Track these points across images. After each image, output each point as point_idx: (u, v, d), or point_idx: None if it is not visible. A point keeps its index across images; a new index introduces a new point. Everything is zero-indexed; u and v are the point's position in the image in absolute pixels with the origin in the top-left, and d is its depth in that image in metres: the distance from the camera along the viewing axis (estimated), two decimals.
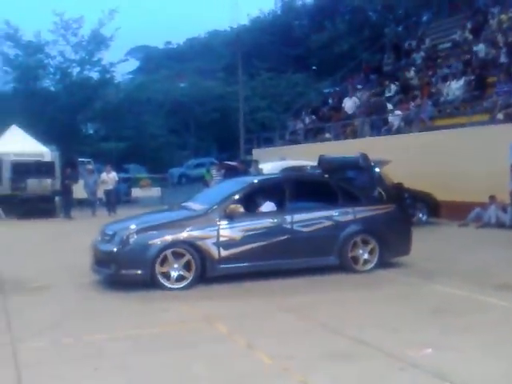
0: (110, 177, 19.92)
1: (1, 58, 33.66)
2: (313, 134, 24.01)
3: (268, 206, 8.43)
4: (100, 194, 20.21)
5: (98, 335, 5.72)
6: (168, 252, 7.46)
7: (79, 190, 19.99)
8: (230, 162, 19.42)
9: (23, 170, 19.47)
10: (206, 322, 6.20)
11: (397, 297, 7.24)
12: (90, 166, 23.25)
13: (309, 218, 8.21)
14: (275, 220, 8.06)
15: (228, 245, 7.75)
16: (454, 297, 7.19)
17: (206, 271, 7.65)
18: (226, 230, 7.77)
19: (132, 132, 37.36)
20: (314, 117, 25.30)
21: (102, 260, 7.79)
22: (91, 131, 40.85)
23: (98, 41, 33.98)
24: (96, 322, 6.32)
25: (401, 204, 9.82)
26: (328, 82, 30.52)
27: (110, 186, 19.73)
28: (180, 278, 7.52)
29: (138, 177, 26.35)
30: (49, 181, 19.99)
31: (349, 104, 23.19)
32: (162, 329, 5.97)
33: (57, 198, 19.59)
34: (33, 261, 10.15)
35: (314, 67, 38.33)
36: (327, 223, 8.30)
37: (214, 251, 7.65)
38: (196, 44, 56.08)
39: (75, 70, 34.97)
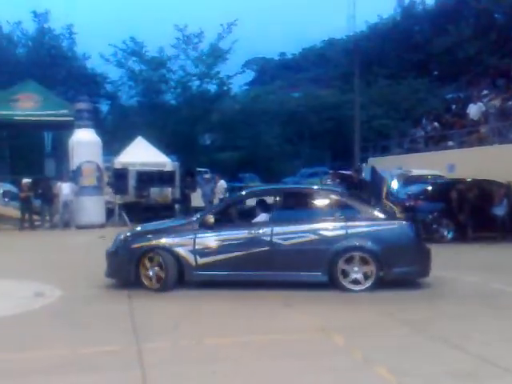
0: (218, 185, 20.26)
1: (127, 73, 35.84)
2: (434, 142, 22.97)
3: (262, 218, 8.34)
4: (216, 202, 20.66)
5: (216, 339, 5.78)
6: (147, 256, 8.05)
7: (197, 199, 20.60)
8: (344, 172, 19.00)
9: (147, 179, 20.41)
10: (320, 331, 6.07)
11: None
12: (207, 176, 23.92)
13: (291, 231, 7.90)
14: (253, 231, 7.95)
15: (204, 253, 7.96)
16: None
17: (184, 276, 8.03)
18: (203, 239, 8.00)
19: (247, 142, 38.10)
20: (436, 124, 24.23)
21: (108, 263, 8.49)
22: (208, 142, 42.24)
23: (217, 54, 35.12)
24: (213, 326, 6.39)
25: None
26: (451, 88, 29.12)
27: (222, 195, 20.08)
28: (159, 280, 8.02)
29: (251, 186, 26.59)
30: (170, 189, 20.82)
31: (474, 110, 21.99)
32: (277, 336, 5.90)
33: (176, 206, 20.31)
34: None
35: (435, 72, 36.83)
36: (313, 237, 7.85)
37: (190, 258, 7.96)
38: (311, 54, 56.13)
39: (195, 84, 36.42)
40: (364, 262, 7.79)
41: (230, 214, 8.50)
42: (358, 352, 5.30)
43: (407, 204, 13.50)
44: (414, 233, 7.97)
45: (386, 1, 54.64)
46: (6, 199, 20.39)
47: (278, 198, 8.30)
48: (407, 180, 15.34)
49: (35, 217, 18.28)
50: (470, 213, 13.19)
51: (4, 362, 5.19)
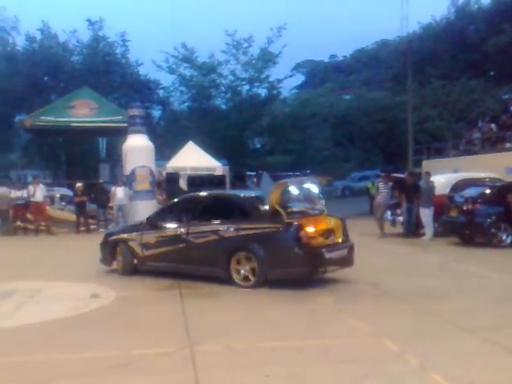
0: None
1: (178, 78, 36.35)
2: (491, 144, 22.22)
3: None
4: None
5: (268, 343, 5.75)
6: (118, 247, 10.05)
7: None
8: (398, 175, 18.60)
9: (197, 183, 20.56)
10: (375, 337, 5.94)
11: None
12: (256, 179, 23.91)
13: (200, 231, 9.05)
14: (176, 230, 9.34)
15: (147, 247, 9.64)
16: None
17: (137, 265, 9.83)
18: (146, 235, 9.69)
19: (297, 145, 37.96)
20: (492, 125, 23.45)
21: None
22: (258, 145, 42.33)
23: (267, 58, 35.15)
24: (265, 329, 6.37)
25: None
26: (507, 88, 28.14)
27: None
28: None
29: None
30: None
31: None
32: (330, 341, 5.82)
33: None
34: None
35: (491, 73, 35.69)
36: (213, 237, 8.88)
37: (139, 250, 9.75)
38: (363, 55, 55.54)
39: (244, 88, 36.57)
40: (250, 260, 8.50)
41: (170, 215, 9.89)
42: (414, 359, 5.16)
43: (465, 208, 13.11)
44: (295, 236, 8.27)
45: (440, 1, 53.44)
46: (63, 203, 21.04)
47: (198, 202, 9.73)
48: (462, 183, 14.87)
49: (91, 220, 18.76)
50: None
51: (60, 363, 5.33)
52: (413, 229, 14.81)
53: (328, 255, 8.44)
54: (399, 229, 15.48)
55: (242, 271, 8.54)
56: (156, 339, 5.99)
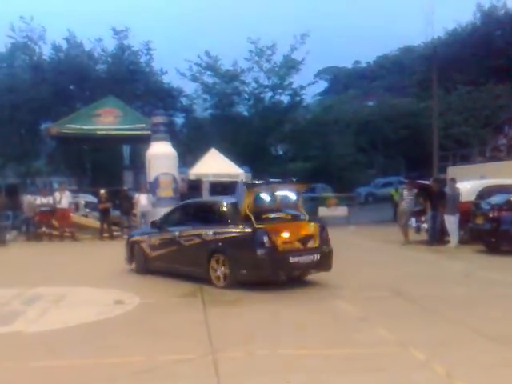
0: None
1: (201, 86, 36.55)
2: None
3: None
4: None
5: (291, 350, 5.71)
6: (134, 247, 11.13)
7: None
8: (422, 181, 18.40)
9: (219, 190, 20.65)
10: (400, 345, 5.85)
11: None
12: None
13: (188, 234, 9.77)
14: (171, 233, 10.14)
15: (153, 248, 10.62)
16: None
17: (147, 264, 10.71)
18: (153, 238, 10.66)
19: (319, 152, 37.82)
20: None
21: None
22: (280, 152, 42.28)
23: (290, 65, 35.15)
24: (288, 336, 6.32)
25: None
26: None
27: None
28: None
29: (324, 196, 26.37)
30: None
31: None
32: (355, 349, 5.76)
33: None
34: None
35: None
36: (197, 240, 9.58)
37: (148, 251, 10.74)
38: (386, 61, 55.21)
39: (267, 95, 36.59)
40: (223, 262, 9.06)
41: (170, 220, 10.69)
42: (441, 367, 5.08)
43: (491, 215, 12.89)
44: (259, 241, 8.67)
45: (465, 6, 52.90)
46: (88, 210, 21.28)
47: (190, 208, 10.76)
48: (488, 190, 14.61)
49: (115, 227, 18.92)
50: None
51: (83, 368, 5.37)
52: (437, 236, 14.62)
53: (293, 260, 8.79)
54: (423, 236, 15.30)
55: (218, 272, 9.11)
56: (179, 345, 5.99)
